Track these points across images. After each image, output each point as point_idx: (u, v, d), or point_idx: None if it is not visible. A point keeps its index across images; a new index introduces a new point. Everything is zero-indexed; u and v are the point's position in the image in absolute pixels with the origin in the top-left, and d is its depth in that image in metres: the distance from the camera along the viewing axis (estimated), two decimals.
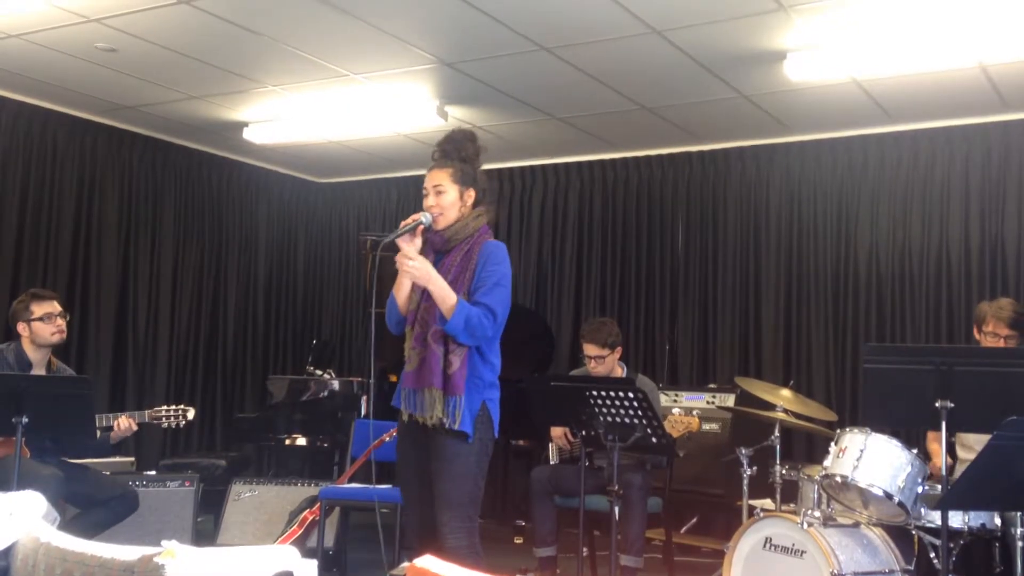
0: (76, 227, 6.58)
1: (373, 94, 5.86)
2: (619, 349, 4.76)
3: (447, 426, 3.10)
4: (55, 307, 4.46)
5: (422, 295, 3.21)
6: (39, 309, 4.40)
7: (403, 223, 3.17)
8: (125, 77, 5.75)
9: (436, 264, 3.21)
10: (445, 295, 3.10)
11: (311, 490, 5.41)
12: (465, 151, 3.29)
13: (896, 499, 3.55)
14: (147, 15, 4.75)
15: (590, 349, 4.70)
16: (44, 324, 4.40)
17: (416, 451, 3.24)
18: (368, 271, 5.90)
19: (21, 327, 4.42)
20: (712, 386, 6.32)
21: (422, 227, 3.17)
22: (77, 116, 6.55)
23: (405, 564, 3.05)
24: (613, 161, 7.12)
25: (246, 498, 5.69)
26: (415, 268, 3.09)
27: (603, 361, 4.68)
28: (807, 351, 6.31)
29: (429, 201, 3.23)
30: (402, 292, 3.26)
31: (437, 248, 3.24)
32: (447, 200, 3.22)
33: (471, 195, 3.26)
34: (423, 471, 3.21)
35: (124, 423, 4.38)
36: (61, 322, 4.45)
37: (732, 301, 6.62)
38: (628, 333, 6.73)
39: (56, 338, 4.44)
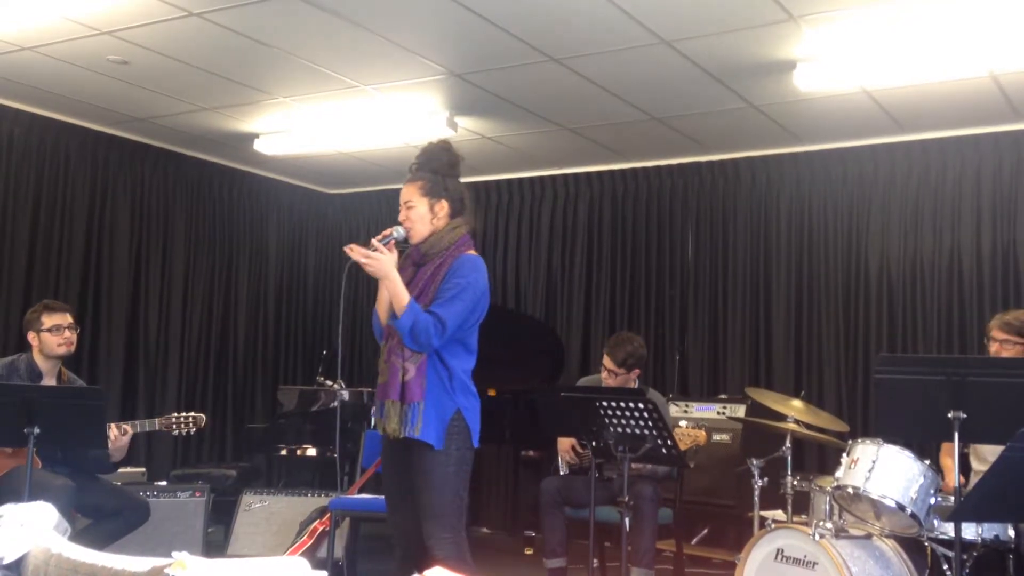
0: (88, 238, 6.61)
1: (383, 105, 5.87)
2: (637, 371, 4.72)
3: (406, 435, 3.07)
4: (65, 319, 4.49)
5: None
6: (49, 320, 4.44)
7: (376, 238, 3.17)
8: (137, 89, 5.78)
9: (413, 277, 3.22)
10: (398, 292, 3.07)
11: (321, 501, 5.41)
12: (437, 162, 3.27)
13: (909, 510, 3.52)
14: (159, 27, 4.77)
15: (607, 362, 4.72)
16: (52, 335, 4.43)
17: (394, 463, 3.23)
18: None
19: (31, 336, 4.46)
20: (723, 397, 6.29)
21: (394, 241, 3.17)
22: (89, 128, 6.59)
23: None
24: (623, 171, 7.12)
25: (256, 509, 5.69)
26: (373, 259, 3.08)
27: (615, 377, 4.69)
28: (818, 361, 6.28)
29: (402, 216, 3.26)
30: (381, 305, 3.26)
31: (416, 262, 3.23)
32: (417, 214, 3.23)
33: (443, 207, 3.24)
34: (403, 482, 3.20)
35: (113, 432, 4.29)
36: (69, 334, 4.47)
37: (742, 311, 6.60)
38: None
39: (62, 350, 4.45)
